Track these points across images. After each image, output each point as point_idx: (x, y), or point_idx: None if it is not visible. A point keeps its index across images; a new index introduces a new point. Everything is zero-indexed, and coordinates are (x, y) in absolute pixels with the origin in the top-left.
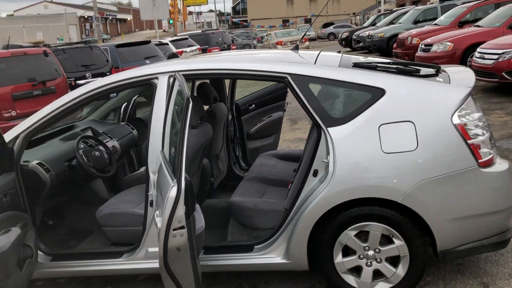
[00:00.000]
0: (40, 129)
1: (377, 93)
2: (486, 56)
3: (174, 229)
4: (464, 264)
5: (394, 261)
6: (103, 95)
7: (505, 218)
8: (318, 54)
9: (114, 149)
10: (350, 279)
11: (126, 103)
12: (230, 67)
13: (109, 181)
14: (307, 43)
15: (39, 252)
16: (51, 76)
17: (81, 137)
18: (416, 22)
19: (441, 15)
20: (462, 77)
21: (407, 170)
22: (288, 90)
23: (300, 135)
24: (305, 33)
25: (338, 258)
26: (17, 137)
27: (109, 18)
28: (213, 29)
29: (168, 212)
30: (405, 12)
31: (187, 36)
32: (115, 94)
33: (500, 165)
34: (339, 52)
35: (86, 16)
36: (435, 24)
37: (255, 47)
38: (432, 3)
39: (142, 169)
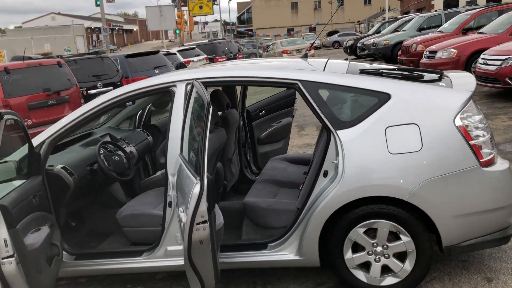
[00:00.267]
0: (65, 135)
1: (383, 97)
2: (489, 62)
3: (197, 223)
4: (469, 261)
5: (401, 256)
6: (124, 102)
7: (507, 215)
8: (327, 62)
9: (132, 154)
10: (359, 274)
11: (141, 111)
12: (245, 74)
13: (126, 185)
14: (312, 51)
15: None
16: (65, 86)
17: (102, 142)
18: (420, 29)
19: (445, 22)
20: (464, 82)
21: (413, 170)
22: (297, 96)
23: (307, 141)
24: (314, 42)
25: (348, 254)
26: (43, 142)
27: (115, 28)
28: (220, 39)
29: (192, 207)
30: (410, 20)
31: (194, 46)
32: (131, 102)
33: (501, 164)
34: (346, 59)
35: (93, 27)
36: (439, 31)
37: (260, 56)
38: (436, 11)
39: (159, 173)
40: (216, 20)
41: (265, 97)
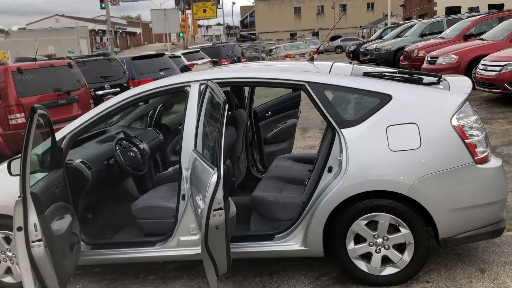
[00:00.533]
0: (84, 131)
1: (385, 98)
2: (489, 68)
3: (214, 210)
4: (464, 254)
5: (400, 248)
6: (142, 100)
7: (499, 209)
8: (332, 65)
9: (145, 151)
10: (361, 264)
11: (152, 110)
12: (256, 76)
13: (138, 181)
14: (315, 55)
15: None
16: (75, 87)
17: (118, 139)
18: (422, 35)
19: (447, 28)
20: (461, 85)
21: (412, 166)
22: (301, 98)
23: (310, 143)
24: (319, 47)
25: (351, 245)
26: (63, 138)
27: (119, 31)
28: (224, 42)
29: (210, 195)
30: (412, 26)
31: (199, 49)
32: (143, 102)
33: (494, 162)
34: (350, 63)
35: (96, 30)
36: (441, 37)
37: (263, 60)
38: (438, 17)
39: (170, 169)
40: (219, 24)
41: (272, 99)
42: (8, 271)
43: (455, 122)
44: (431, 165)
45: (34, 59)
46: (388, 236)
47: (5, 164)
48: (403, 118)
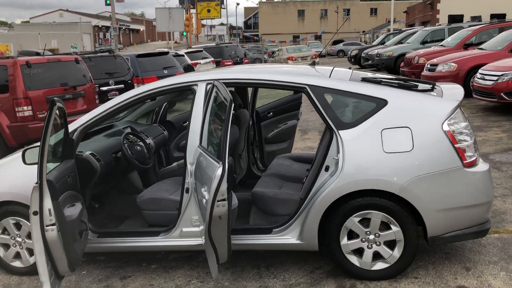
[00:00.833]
0: (95, 125)
1: (381, 103)
2: (486, 77)
3: (218, 201)
4: (451, 253)
5: (391, 244)
6: (150, 97)
7: (485, 211)
8: (332, 69)
9: (151, 145)
10: (353, 259)
11: (158, 108)
12: (260, 77)
13: (143, 174)
14: (317, 59)
15: None
16: (81, 82)
17: (126, 134)
18: (423, 42)
19: (448, 36)
20: (453, 93)
21: (404, 167)
22: (302, 101)
23: (309, 144)
24: (322, 51)
25: (344, 241)
26: (75, 130)
27: (122, 28)
28: (227, 43)
29: (215, 186)
30: (414, 33)
31: (202, 49)
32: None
33: (482, 166)
34: (349, 68)
35: (100, 26)
36: (442, 45)
37: (265, 62)
38: (440, 25)
39: (174, 164)
40: (222, 24)
41: (274, 100)
42: (17, 256)
43: (446, 127)
44: (422, 167)
45: (38, 53)
46: (380, 233)
47: (16, 154)
48: (397, 122)
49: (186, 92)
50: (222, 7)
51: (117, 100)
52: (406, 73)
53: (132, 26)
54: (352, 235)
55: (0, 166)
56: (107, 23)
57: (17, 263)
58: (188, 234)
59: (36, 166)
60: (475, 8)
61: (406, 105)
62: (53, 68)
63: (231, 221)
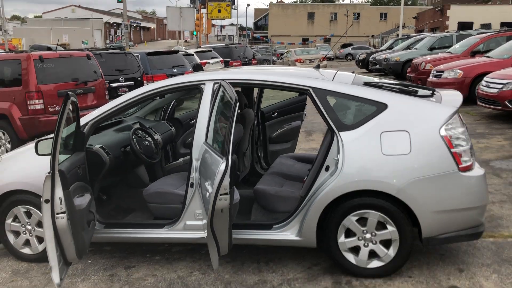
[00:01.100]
0: (106, 119)
1: (381, 107)
2: (491, 85)
3: (220, 194)
4: (446, 255)
5: (386, 244)
6: (160, 94)
7: (479, 214)
8: (336, 73)
9: (158, 141)
10: (350, 256)
11: (166, 105)
12: (265, 79)
13: (150, 169)
14: (325, 62)
15: None
16: (92, 78)
17: (135, 129)
18: (431, 48)
19: (456, 43)
20: (452, 99)
21: (401, 170)
22: (307, 102)
23: (314, 146)
24: (327, 54)
25: (341, 239)
26: (86, 124)
27: (133, 25)
28: (236, 43)
29: (218, 181)
30: (422, 38)
31: (211, 49)
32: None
33: (477, 171)
34: (353, 72)
35: (111, 22)
36: (449, 52)
37: (274, 63)
38: (449, 31)
39: (180, 160)
40: (232, 24)
41: (278, 102)
42: (27, 243)
43: (443, 132)
44: (419, 170)
45: (49, 48)
46: (376, 232)
47: (28, 146)
48: (396, 125)
49: (194, 90)
50: (233, 7)
51: (127, 96)
52: (412, 79)
53: (143, 24)
54: (349, 233)
55: (12, 157)
56: (118, 20)
57: (26, 250)
58: (191, 227)
59: (47, 157)
60: (485, 16)
61: (405, 109)
62: (65, 63)
63: (232, 215)
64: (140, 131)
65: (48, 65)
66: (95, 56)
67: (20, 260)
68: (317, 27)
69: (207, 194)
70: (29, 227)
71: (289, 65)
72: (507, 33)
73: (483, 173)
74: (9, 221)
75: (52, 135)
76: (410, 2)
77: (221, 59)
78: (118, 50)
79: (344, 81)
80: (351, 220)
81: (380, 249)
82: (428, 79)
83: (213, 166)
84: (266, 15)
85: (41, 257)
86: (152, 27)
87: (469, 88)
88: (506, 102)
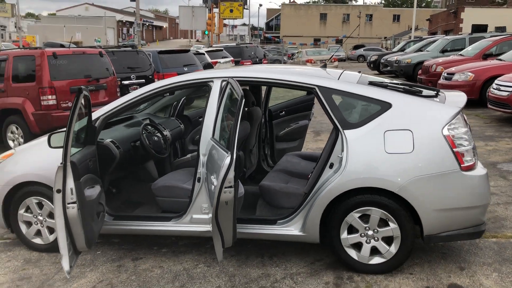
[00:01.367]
0: (116, 114)
1: (385, 106)
2: (502, 88)
3: (225, 187)
4: (448, 253)
5: (388, 240)
6: (170, 91)
7: (481, 213)
8: (342, 72)
9: (167, 137)
10: (352, 252)
11: (176, 102)
12: (272, 77)
13: (158, 164)
14: (336, 62)
15: None
16: (104, 75)
17: (145, 124)
18: (443, 51)
19: (469, 46)
20: (456, 100)
21: (404, 168)
22: (315, 102)
23: (321, 145)
24: (333, 54)
25: (344, 235)
26: (97, 118)
27: (145, 24)
28: (247, 43)
29: (223, 174)
30: (434, 41)
31: (222, 48)
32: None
33: (480, 170)
34: (359, 72)
35: (124, 21)
36: (461, 54)
37: (285, 63)
38: (461, 34)
39: (188, 155)
40: (244, 24)
41: (286, 101)
42: (38, 233)
43: (446, 132)
44: (421, 168)
45: (62, 45)
46: (378, 229)
47: (40, 139)
48: (400, 124)
49: (202, 87)
50: (245, 7)
51: (138, 92)
52: (423, 81)
53: (156, 23)
54: (352, 229)
55: (25, 150)
56: (131, 19)
57: (37, 240)
58: (197, 220)
59: (59, 149)
60: (500, 19)
61: (409, 109)
62: (78, 60)
63: (237, 208)
64: (150, 127)
65: (61, 61)
66: (107, 53)
67: (32, 250)
68: (329, 28)
69: (213, 187)
70: (41, 218)
71: (300, 65)
72: None
73: (485, 172)
74: (21, 211)
75: (64, 129)
76: (424, 4)
77: (232, 58)
78: (130, 48)
79: (349, 80)
80: (353, 217)
81: (382, 245)
82: (439, 82)
83: (219, 161)
84: (278, 15)
85: (52, 247)
86: (164, 26)
87: (480, 91)
88: None
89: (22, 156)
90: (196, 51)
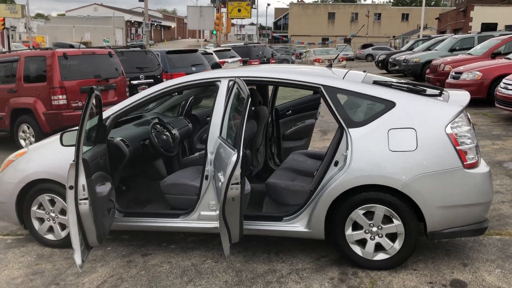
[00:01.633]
0: (126, 113)
1: (389, 105)
2: (510, 87)
3: (232, 184)
4: (451, 250)
5: (392, 237)
6: (178, 90)
7: (483, 210)
8: (347, 72)
9: (176, 136)
10: (357, 249)
11: (184, 101)
12: (278, 76)
13: (167, 162)
14: (344, 62)
15: None
16: (113, 75)
17: (154, 123)
18: (452, 50)
19: (478, 44)
20: (459, 98)
21: (407, 165)
22: (321, 101)
23: (328, 144)
24: (339, 54)
25: (349, 231)
26: (108, 117)
27: (154, 24)
28: (255, 43)
29: (229, 171)
30: (443, 40)
31: (230, 48)
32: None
33: (483, 168)
34: (364, 71)
35: (132, 21)
36: (469, 53)
37: (293, 63)
38: (470, 33)
39: (196, 154)
40: (252, 24)
41: (292, 100)
42: (50, 229)
43: (449, 130)
44: (424, 166)
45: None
46: (382, 225)
47: (52, 138)
48: (403, 123)
49: (210, 87)
50: (253, 7)
51: (147, 92)
52: (431, 80)
53: (164, 23)
54: (356, 226)
55: (37, 148)
56: (140, 19)
57: (50, 236)
58: (205, 217)
59: (71, 148)
60: (510, 17)
61: (413, 107)
62: (88, 61)
63: (243, 204)
64: (158, 126)
65: (71, 62)
66: (116, 54)
67: (44, 245)
68: (338, 27)
69: (220, 184)
70: (53, 215)
71: (308, 65)
72: None
73: (488, 170)
74: (34, 208)
75: (76, 128)
76: (433, 2)
77: (240, 58)
78: (139, 49)
79: (354, 79)
80: (358, 214)
81: (386, 242)
82: (447, 81)
83: (226, 159)
84: (286, 15)
85: (63, 243)
86: (172, 26)
87: (487, 90)
88: None
89: (35, 154)
90: (204, 50)
